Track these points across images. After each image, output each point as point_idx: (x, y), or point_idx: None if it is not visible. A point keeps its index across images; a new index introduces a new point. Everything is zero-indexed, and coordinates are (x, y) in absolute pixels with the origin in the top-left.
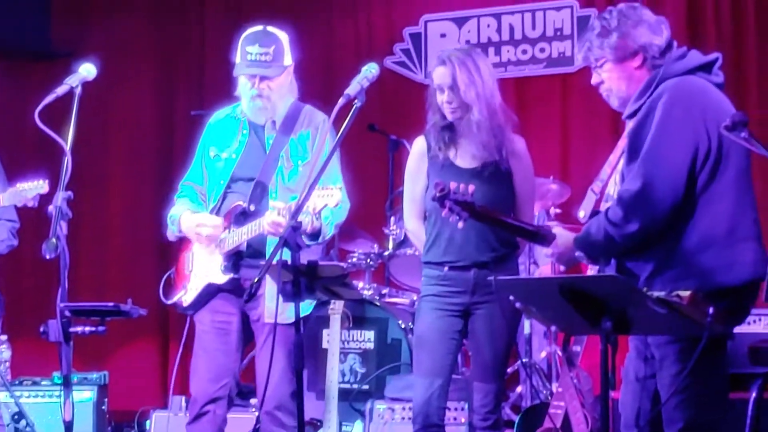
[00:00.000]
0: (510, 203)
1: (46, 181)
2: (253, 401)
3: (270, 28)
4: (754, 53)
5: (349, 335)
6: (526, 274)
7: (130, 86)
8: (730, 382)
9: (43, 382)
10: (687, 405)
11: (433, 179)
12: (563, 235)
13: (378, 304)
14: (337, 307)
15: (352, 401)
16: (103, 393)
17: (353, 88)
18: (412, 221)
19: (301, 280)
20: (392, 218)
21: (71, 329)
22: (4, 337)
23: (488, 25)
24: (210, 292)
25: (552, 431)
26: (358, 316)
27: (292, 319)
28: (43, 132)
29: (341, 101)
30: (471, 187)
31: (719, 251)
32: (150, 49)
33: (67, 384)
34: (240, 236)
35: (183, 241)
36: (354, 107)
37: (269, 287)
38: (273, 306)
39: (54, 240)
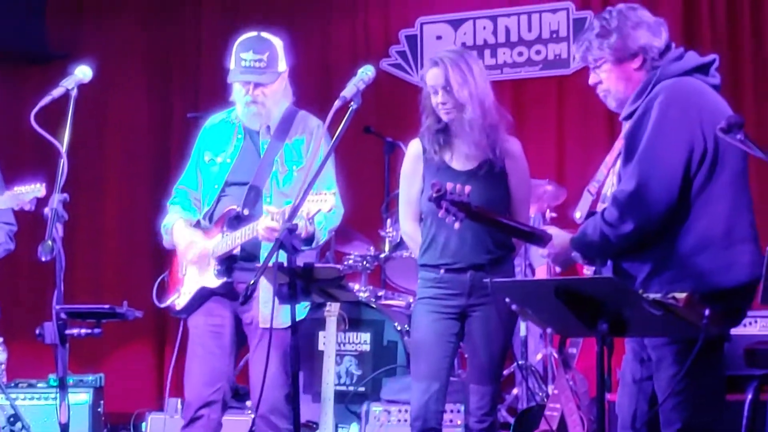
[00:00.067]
0: (505, 204)
1: (44, 185)
2: (249, 403)
3: (264, 34)
4: (749, 54)
5: (345, 337)
6: (521, 276)
7: (126, 88)
8: (726, 384)
9: (39, 385)
10: (684, 406)
11: (429, 181)
12: (559, 235)
13: (374, 306)
14: (333, 310)
15: (348, 403)
16: (98, 395)
17: (349, 90)
18: (407, 224)
19: (297, 283)
20: (388, 220)
21: (67, 331)
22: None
23: (484, 27)
24: (203, 296)
25: None
26: (354, 318)
27: (286, 324)
28: (39, 134)
29: (337, 103)
30: (467, 188)
31: (716, 253)
32: (146, 52)
33: (62, 386)
34: (233, 240)
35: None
36: (350, 109)
37: (263, 293)
38: (267, 311)
39: (50, 242)
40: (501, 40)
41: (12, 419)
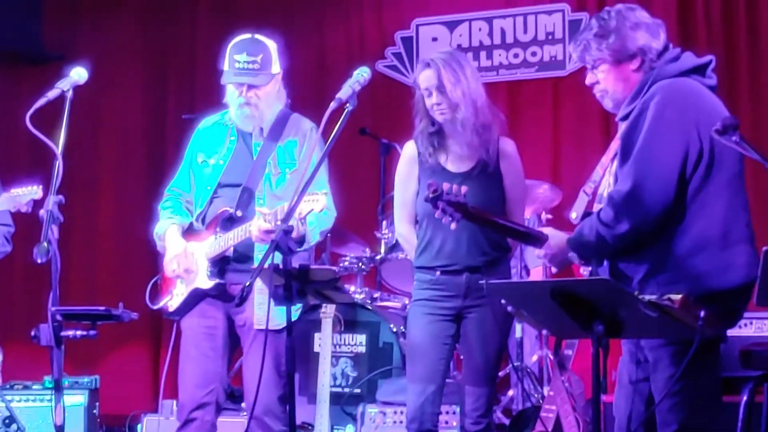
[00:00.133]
0: (501, 205)
1: (40, 187)
2: (244, 405)
3: (258, 36)
4: (745, 55)
5: (340, 339)
6: (517, 277)
7: (122, 90)
8: (722, 385)
9: (35, 386)
10: (680, 408)
11: (424, 184)
12: (556, 236)
13: (370, 307)
14: (328, 311)
15: (344, 405)
16: (94, 397)
17: (345, 92)
18: (403, 225)
19: (293, 284)
20: (384, 222)
21: (62, 333)
22: None
23: (480, 29)
24: (196, 297)
25: None
26: (350, 319)
27: (280, 326)
28: (35, 136)
29: (333, 105)
30: (464, 188)
31: (712, 254)
32: (141, 53)
33: (58, 388)
34: (226, 241)
35: None
36: (345, 111)
37: (257, 294)
38: (261, 312)
39: (45, 244)
40: (497, 42)
41: (7, 421)
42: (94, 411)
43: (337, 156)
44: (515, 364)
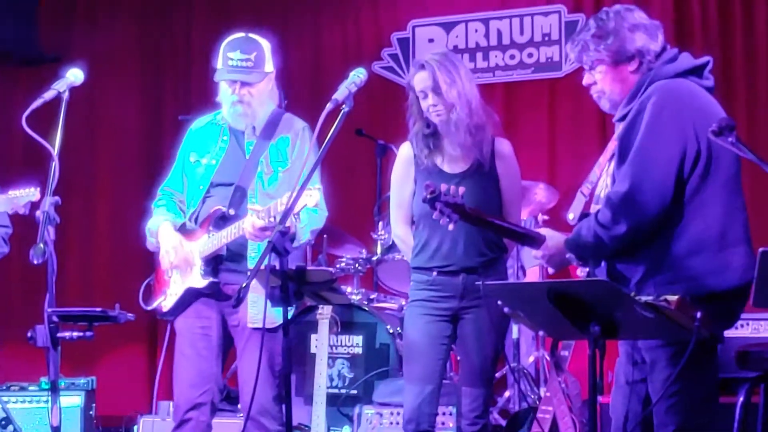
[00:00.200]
0: (497, 205)
1: (38, 189)
2: (240, 406)
3: (252, 35)
4: (741, 55)
5: (337, 340)
6: (514, 278)
7: (118, 91)
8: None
9: (31, 388)
10: (677, 409)
11: (421, 185)
12: (553, 237)
13: (366, 308)
14: (325, 312)
15: (341, 406)
16: (90, 398)
17: (341, 92)
18: (399, 226)
19: (290, 285)
20: (380, 223)
21: (59, 334)
22: None
23: (476, 30)
24: (190, 297)
25: None
26: (347, 320)
27: (273, 324)
28: (31, 137)
29: (329, 106)
30: (461, 189)
31: (710, 256)
32: (138, 54)
33: (54, 389)
34: (219, 240)
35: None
36: (342, 112)
37: (250, 293)
38: (254, 311)
39: (41, 245)
40: (493, 43)
41: (3, 422)
42: (91, 412)
43: (333, 157)
44: (512, 365)
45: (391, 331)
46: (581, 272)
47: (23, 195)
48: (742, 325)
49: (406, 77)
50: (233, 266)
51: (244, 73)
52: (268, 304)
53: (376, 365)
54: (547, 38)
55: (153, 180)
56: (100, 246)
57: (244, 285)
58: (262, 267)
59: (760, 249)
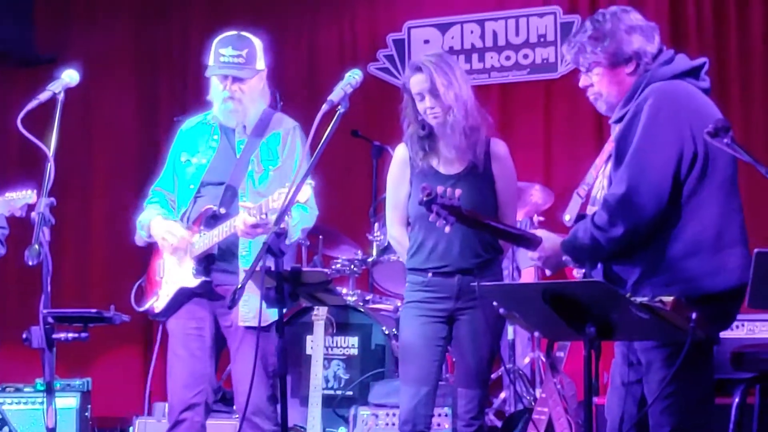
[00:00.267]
0: (493, 207)
1: (35, 191)
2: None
3: (244, 33)
4: (736, 57)
5: (332, 341)
6: (509, 278)
7: (114, 92)
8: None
9: (26, 389)
10: (673, 410)
11: (417, 186)
12: (550, 238)
13: (362, 310)
14: (320, 313)
15: (336, 407)
16: (86, 399)
17: (337, 94)
18: (395, 228)
19: (285, 287)
20: (376, 224)
21: (54, 336)
22: None
23: (472, 32)
24: (182, 297)
25: None
26: (342, 322)
27: (265, 323)
28: (26, 138)
29: (325, 107)
30: (458, 191)
31: (706, 257)
32: (134, 55)
33: (50, 391)
34: (211, 239)
35: (153, 249)
36: (337, 113)
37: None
38: (246, 310)
39: (37, 246)
40: (488, 44)
41: None
42: (86, 414)
43: (329, 158)
44: (507, 366)
45: (386, 332)
46: (577, 273)
47: (20, 197)
48: (737, 326)
49: (402, 79)
50: (225, 266)
51: (236, 68)
52: (265, 307)
53: (371, 366)
54: (542, 39)
55: (149, 181)
56: (96, 247)
57: (239, 286)
58: (258, 268)
59: (756, 250)
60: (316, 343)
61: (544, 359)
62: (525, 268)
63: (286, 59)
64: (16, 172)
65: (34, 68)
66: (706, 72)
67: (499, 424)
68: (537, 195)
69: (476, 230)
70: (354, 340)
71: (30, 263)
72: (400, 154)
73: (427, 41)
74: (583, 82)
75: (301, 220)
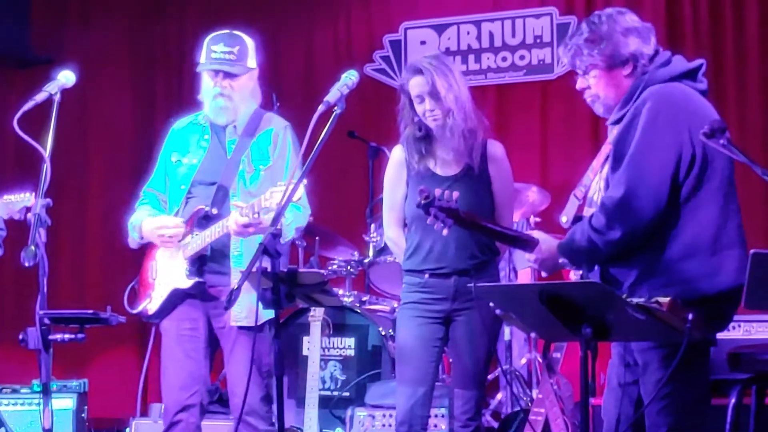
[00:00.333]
0: (490, 208)
1: (33, 194)
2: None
3: (236, 32)
4: (732, 58)
5: (329, 342)
6: (506, 280)
7: (110, 93)
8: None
9: (23, 390)
10: (669, 411)
11: (413, 187)
12: (546, 241)
13: (358, 311)
14: (317, 314)
15: (333, 408)
16: (83, 401)
17: (333, 95)
18: (391, 229)
19: (281, 288)
20: (372, 225)
21: (50, 337)
22: None
23: (468, 33)
24: (176, 298)
25: None
26: (339, 323)
27: (258, 322)
28: (22, 139)
29: (321, 108)
30: (455, 194)
31: (703, 259)
32: (130, 56)
33: (46, 392)
34: (203, 239)
35: (145, 251)
36: (334, 114)
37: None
38: (238, 310)
39: (33, 247)
40: (485, 45)
41: None
42: (83, 415)
43: (325, 159)
44: (504, 367)
45: (383, 333)
46: (574, 275)
47: (19, 200)
48: (734, 327)
49: (400, 80)
50: (217, 267)
51: (227, 64)
52: (260, 304)
53: (368, 367)
54: (538, 40)
55: (145, 182)
56: (92, 248)
57: (236, 287)
58: (254, 269)
59: (752, 251)
60: (312, 344)
61: (540, 360)
62: (522, 269)
63: (282, 60)
64: (12, 173)
65: (31, 69)
66: (703, 73)
67: (495, 425)
68: (533, 196)
69: (473, 232)
70: (351, 341)
71: (26, 264)
72: (396, 155)
73: (423, 42)
74: (580, 84)
75: (295, 219)
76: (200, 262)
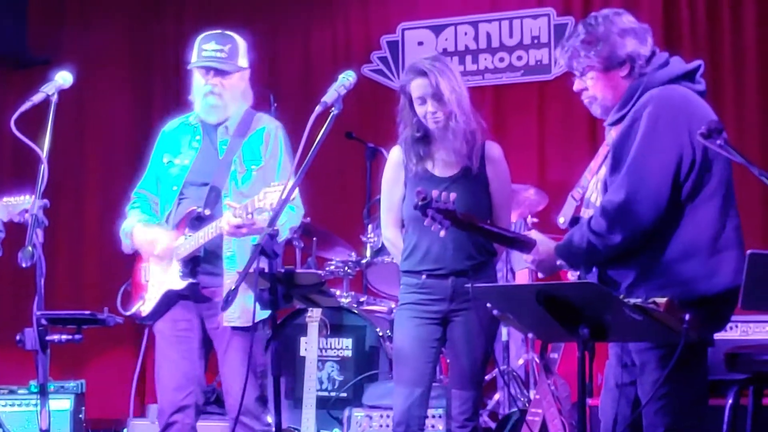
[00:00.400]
0: (487, 209)
1: (33, 197)
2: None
3: (227, 32)
4: (729, 59)
5: (326, 343)
6: (503, 280)
7: (107, 94)
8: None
9: (20, 391)
10: (667, 411)
11: (411, 188)
12: (544, 242)
13: (356, 311)
14: (314, 315)
15: (330, 409)
16: (80, 401)
17: (330, 95)
18: (389, 230)
19: (278, 288)
20: (370, 226)
21: (48, 337)
22: None
23: (465, 33)
24: (169, 300)
25: None
26: (336, 323)
27: (248, 323)
28: (19, 140)
29: (318, 109)
30: (453, 195)
31: (701, 261)
32: (127, 57)
33: (43, 393)
34: (197, 241)
35: (137, 252)
36: (331, 115)
37: (224, 292)
38: (230, 310)
39: (30, 248)
40: (482, 46)
41: None
42: (80, 416)
43: (322, 160)
44: (501, 367)
45: (380, 333)
46: (572, 275)
47: (19, 203)
48: (731, 328)
49: (401, 81)
50: (210, 268)
51: (218, 62)
52: (257, 305)
53: (365, 368)
54: (536, 41)
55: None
56: (89, 249)
57: (233, 288)
58: (251, 270)
59: (749, 251)
60: (310, 345)
61: (538, 361)
62: (519, 270)
63: (280, 61)
64: (9, 174)
65: (28, 70)
66: (701, 75)
67: (492, 425)
68: (531, 196)
69: (471, 233)
70: (348, 342)
71: (23, 265)
72: (394, 156)
73: (420, 43)
74: (577, 86)
75: (289, 219)
76: (193, 264)
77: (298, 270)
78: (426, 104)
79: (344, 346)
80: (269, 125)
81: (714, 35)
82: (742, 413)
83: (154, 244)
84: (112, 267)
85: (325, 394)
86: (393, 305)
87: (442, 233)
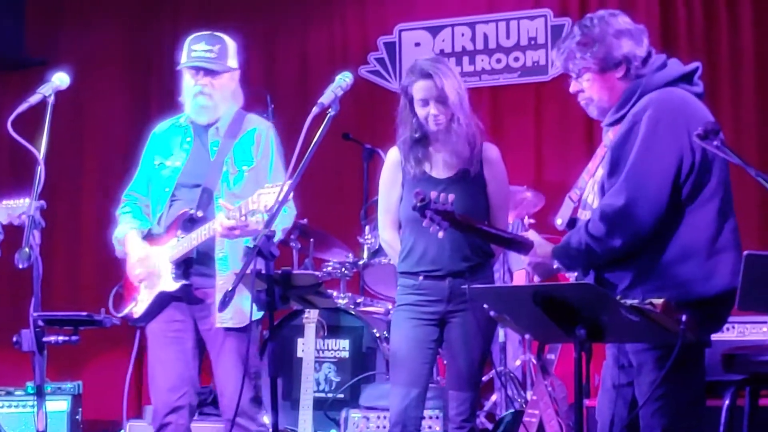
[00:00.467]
0: (485, 211)
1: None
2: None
3: (217, 33)
4: (726, 60)
5: (323, 344)
6: (501, 281)
7: (105, 95)
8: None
9: (17, 392)
10: (664, 412)
11: (409, 190)
12: (541, 244)
13: (353, 312)
14: (311, 316)
15: (327, 410)
16: (77, 403)
17: (327, 96)
18: (387, 231)
19: (276, 290)
20: (367, 227)
21: (44, 339)
22: None
23: (462, 34)
24: (162, 302)
25: None
26: (333, 325)
27: (241, 324)
28: (16, 141)
29: (315, 110)
30: (451, 197)
31: (699, 263)
32: (124, 58)
33: (40, 394)
34: (189, 242)
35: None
36: (328, 116)
37: (218, 294)
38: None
39: (27, 249)
40: (479, 47)
41: None
42: (77, 417)
43: (319, 161)
44: (498, 368)
45: (377, 335)
46: (569, 277)
47: (19, 205)
48: (728, 329)
49: (402, 82)
50: (202, 269)
51: (207, 62)
52: (256, 309)
53: (362, 369)
54: (533, 42)
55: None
56: (87, 250)
57: (230, 289)
58: (248, 271)
59: (745, 252)
60: (307, 346)
61: (534, 361)
62: (516, 270)
63: (277, 62)
64: (6, 175)
65: (25, 71)
66: (699, 77)
67: (490, 426)
68: (528, 197)
69: (468, 234)
70: (345, 343)
71: (20, 266)
72: (392, 157)
73: (417, 44)
74: (573, 87)
75: (282, 220)
76: (186, 265)
77: (295, 271)
78: (428, 106)
79: (341, 347)
80: (260, 126)
81: (711, 36)
82: (739, 414)
83: (138, 266)
84: (109, 268)
85: (322, 395)
86: (390, 306)
87: (441, 234)
